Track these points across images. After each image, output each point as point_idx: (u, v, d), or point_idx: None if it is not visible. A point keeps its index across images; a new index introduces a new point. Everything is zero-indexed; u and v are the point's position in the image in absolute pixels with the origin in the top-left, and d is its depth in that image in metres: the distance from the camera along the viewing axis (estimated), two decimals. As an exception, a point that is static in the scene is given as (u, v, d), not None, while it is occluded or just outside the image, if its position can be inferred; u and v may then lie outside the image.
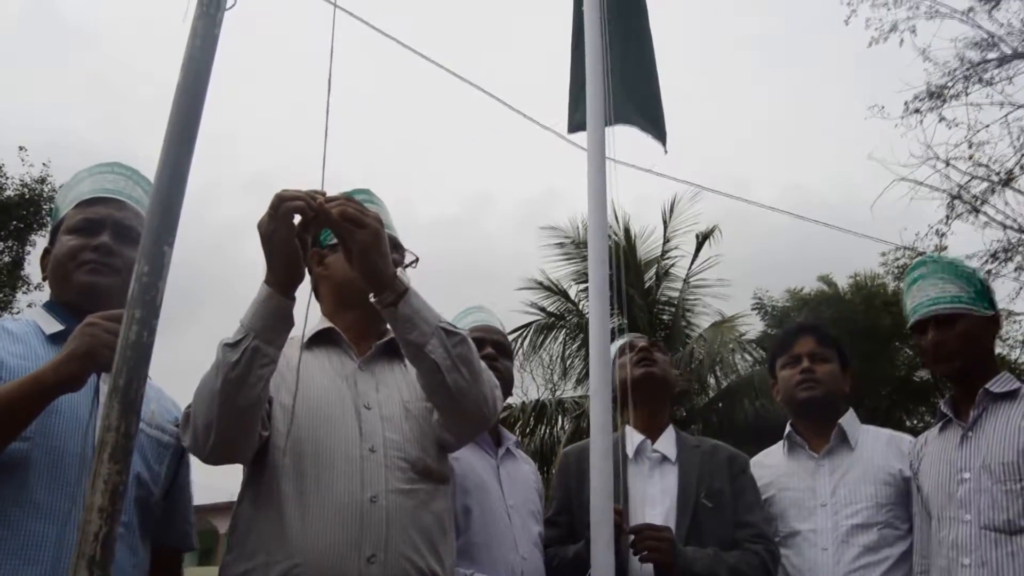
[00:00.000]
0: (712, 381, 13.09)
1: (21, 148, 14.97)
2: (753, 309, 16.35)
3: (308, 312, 1.69)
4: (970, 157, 12.47)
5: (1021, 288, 12.76)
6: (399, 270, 1.72)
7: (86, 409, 1.61)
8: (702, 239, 12.97)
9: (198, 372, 1.63)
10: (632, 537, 2.13)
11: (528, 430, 12.58)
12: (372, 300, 1.68)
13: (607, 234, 2.27)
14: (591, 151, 2.30)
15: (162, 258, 1.17)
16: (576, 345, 13.22)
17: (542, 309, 13.49)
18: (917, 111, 12.63)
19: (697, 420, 12.55)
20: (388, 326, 1.78)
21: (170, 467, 1.84)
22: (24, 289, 15.20)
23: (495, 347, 2.42)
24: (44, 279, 1.87)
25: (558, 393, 13.56)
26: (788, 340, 2.63)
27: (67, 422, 1.60)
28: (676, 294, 13.30)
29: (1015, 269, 12.73)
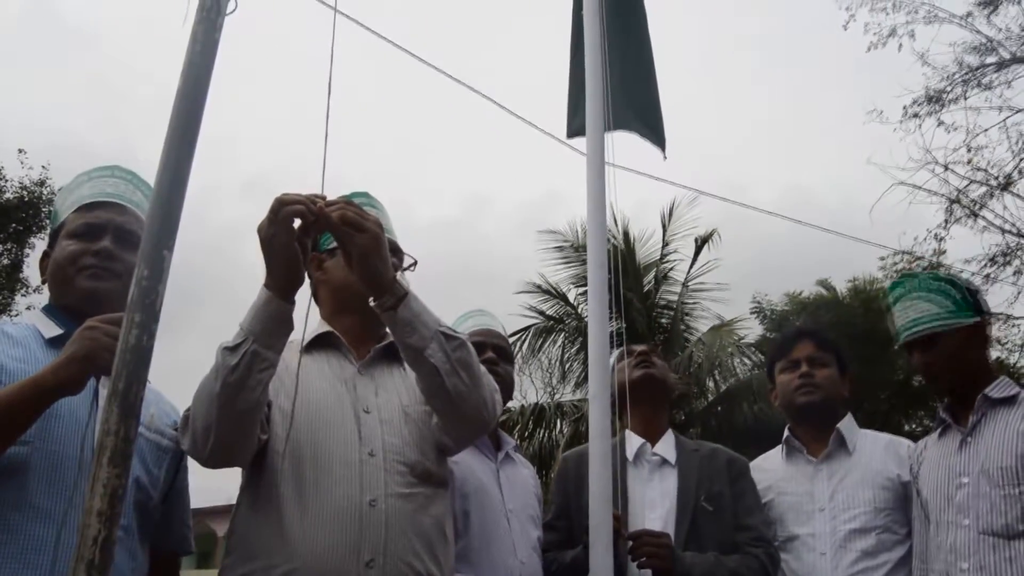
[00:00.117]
0: (711, 385, 13.09)
1: (20, 151, 14.99)
2: (752, 313, 16.37)
3: (308, 316, 1.69)
4: (969, 161, 12.50)
5: (1020, 292, 12.77)
6: (398, 274, 1.72)
7: (85, 413, 1.61)
8: (701, 243, 12.98)
9: (197, 374, 1.63)
10: (630, 543, 2.13)
11: (527, 434, 12.57)
12: (372, 304, 1.68)
13: (606, 238, 2.28)
14: (590, 156, 2.30)
15: (162, 262, 1.17)
16: (575, 349, 13.22)
17: (541, 312, 13.50)
18: (916, 115, 12.67)
19: (696, 424, 12.55)
20: (387, 330, 1.78)
21: (169, 471, 1.84)
22: (23, 292, 15.19)
23: (496, 351, 2.43)
24: (43, 282, 1.87)
25: (557, 397, 13.56)
26: (787, 344, 2.63)
27: (66, 426, 1.60)
28: (675, 298, 13.31)
29: (1014, 273, 12.74)
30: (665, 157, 2.77)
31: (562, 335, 13.36)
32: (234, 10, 1.37)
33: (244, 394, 1.56)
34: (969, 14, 12.64)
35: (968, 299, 2.19)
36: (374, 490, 1.66)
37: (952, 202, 12.63)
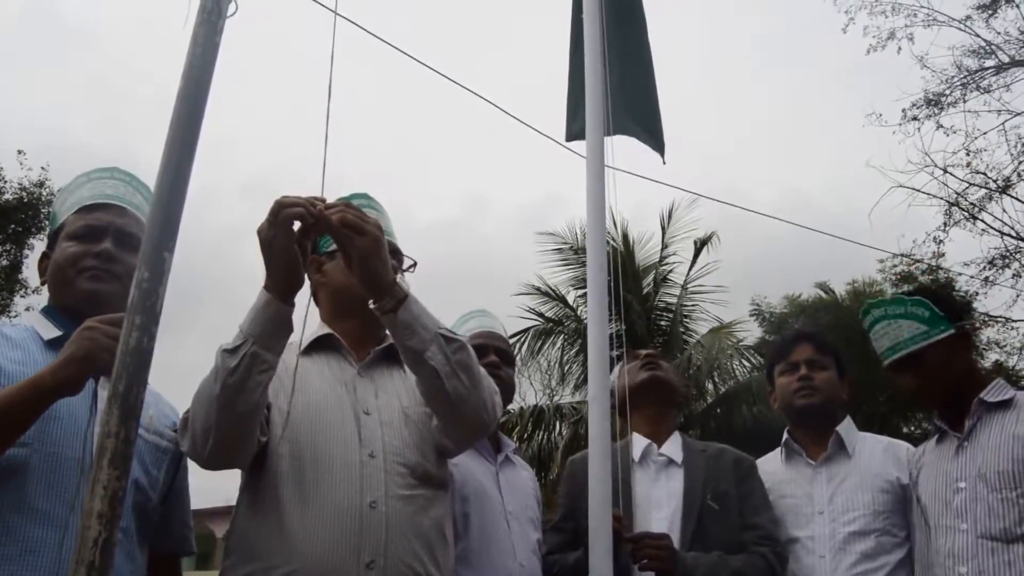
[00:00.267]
0: (710, 387, 13.09)
1: (20, 151, 15.00)
2: (751, 315, 16.40)
3: (306, 318, 1.69)
4: (968, 164, 12.53)
5: (1019, 295, 12.79)
6: (398, 276, 1.73)
7: (84, 415, 1.61)
8: (700, 245, 13.00)
9: (197, 375, 1.64)
10: (632, 545, 2.13)
11: (526, 436, 12.56)
12: (371, 306, 1.69)
13: (606, 241, 2.28)
14: (590, 159, 2.31)
15: (162, 264, 1.17)
16: (574, 351, 13.21)
17: (540, 314, 13.50)
18: (915, 118, 12.70)
19: (695, 426, 12.54)
20: (387, 332, 1.78)
21: (168, 472, 1.84)
22: (22, 293, 15.19)
23: (499, 354, 2.43)
24: (43, 283, 1.87)
25: (556, 399, 13.55)
26: (786, 347, 2.63)
27: (65, 428, 1.59)
28: (674, 300, 13.31)
29: (1012, 276, 12.76)
30: (664, 162, 2.78)
31: (561, 337, 13.35)
32: (235, 12, 1.37)
33: (244, 396, 1.56)
34: (968, 17, 12.68)
35: (940, 311, 2.18)
36: (374, 492, 1.66)
37: (951, 205, 12.66)
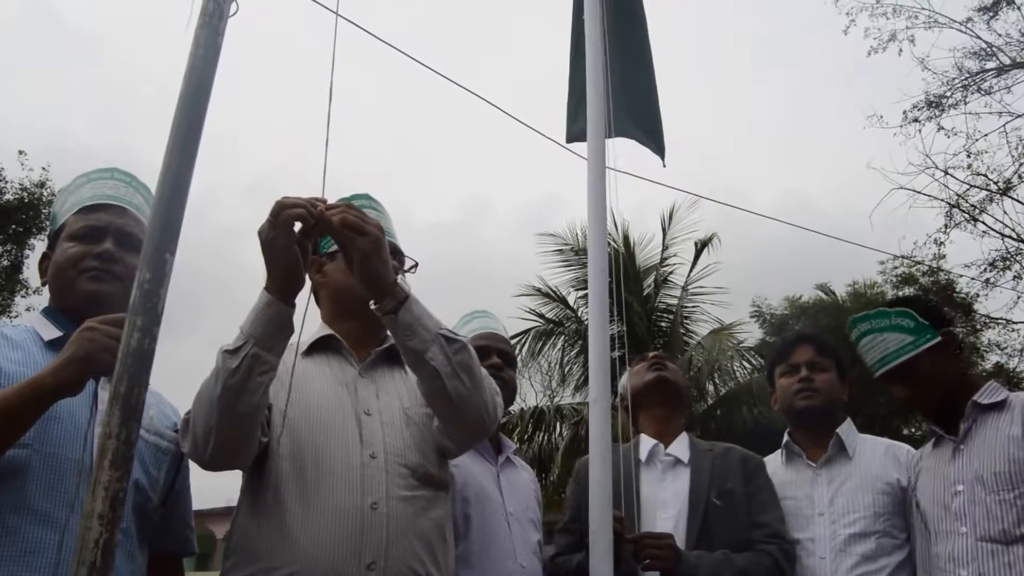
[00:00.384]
0: (710, 388, 13.10)
1: (21, 152, 15.02)
2: (751, 317, 16.42)
3: (305, 319, 1.69)
4: (968, 166, 12.53)
5: (1019, 297, 12.79)
6: (399, 276, 1.72)
7: (85, 415, 1.61)
8: (701, 247, 13.00)
9: (197, 375, 1.64)
10: (633, 546, 2.13)
11: (526, 437, 12.56)
12: (372, 307, 1.68)
13: (607, 242, 2.28)
14: (591, 161, 2.31)
15: (164, 265, 1.17)
16: (575, 352, 13.21)
17: (541, 316, 13.50)
18: (916, 120, 12.70)
19: (695, 427, 12.53)
20: (388, 333, 1.78)
21: (169, 473, 1.84)
22: (23, 293, 15.21)
23: (501, 356, 2.43)
24: (43, 284, 1.87)
25: (556, 400, 13.55)
26: (787, 349, 2.63)
27: (66, 429, 1.59)
28: (675, 301, 13.31)
29: (1013, 278, 12.77)
30: (664, 165, 2.78)
31: (562, 338, 13.36)
32: (236, 12, 1.37)
33: (245, 397, 1.56)
34: (969, 19, 12.68)
35: (925, 319, 2.18)
36: (375, 492, 1.66)
37: (952, 207, 12.66)
